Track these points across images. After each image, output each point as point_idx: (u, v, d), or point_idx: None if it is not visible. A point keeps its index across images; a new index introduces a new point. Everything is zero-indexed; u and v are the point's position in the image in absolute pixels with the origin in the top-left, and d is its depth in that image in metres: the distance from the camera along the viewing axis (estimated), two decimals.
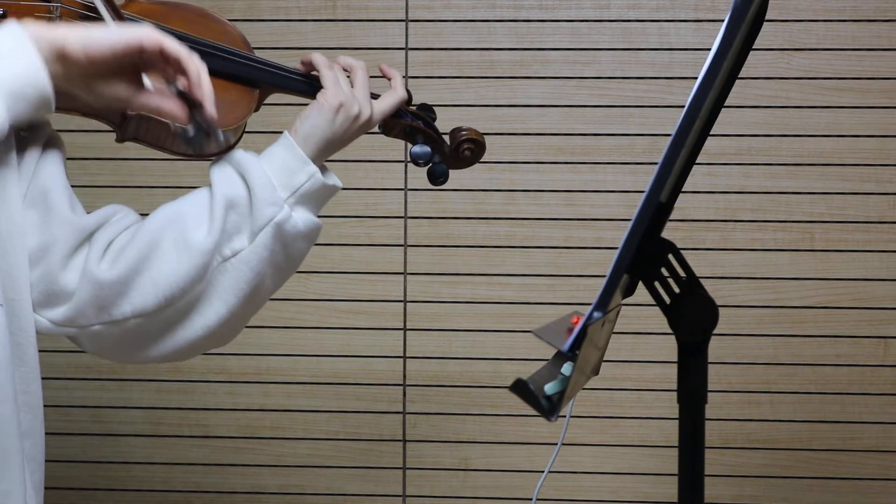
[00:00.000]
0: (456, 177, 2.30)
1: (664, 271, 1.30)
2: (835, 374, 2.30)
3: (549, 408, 1.28)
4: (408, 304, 2.34)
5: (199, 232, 1.48)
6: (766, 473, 2.32)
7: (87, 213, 1.53)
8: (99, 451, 2.37)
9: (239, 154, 1.51)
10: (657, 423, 2.31)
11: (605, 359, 1.51)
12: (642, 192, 1.26)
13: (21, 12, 1.43)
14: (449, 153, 1.65)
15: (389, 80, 1.63)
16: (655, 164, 1.25)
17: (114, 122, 1.48)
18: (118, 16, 1.43)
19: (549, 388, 1.29)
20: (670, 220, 1.34)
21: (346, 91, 1.56)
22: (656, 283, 1.30)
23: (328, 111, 1.53)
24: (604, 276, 1.26)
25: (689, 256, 1.32)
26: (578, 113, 2.30)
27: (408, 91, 1.66)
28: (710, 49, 1.24)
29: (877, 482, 2.31)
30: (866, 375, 2.30)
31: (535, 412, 1.28)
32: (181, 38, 1.51)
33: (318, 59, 1.59)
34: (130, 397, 2.37)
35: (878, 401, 2.30)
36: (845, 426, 2.31)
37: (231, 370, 2.35)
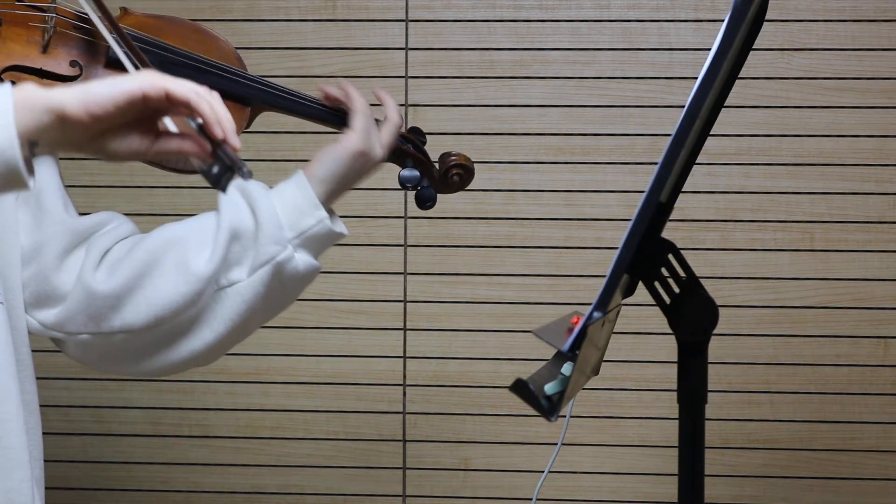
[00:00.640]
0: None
1: (664, 271, 1.30)
2: (835, 374, 2.30)
3: (549, 408, 1.28)
4: (408, 304, 2.34)
5: (201, 257, 1.48)
6: (766, 473, 2.32)
7: (84, 214, 1.53)
8: (99, 451, 2.37)
9: (252, 185, 1.50)
10: (657, 423, 2.31)
11: (605, 359, 1.52)
12: (642, 192, 1.26)
13: (16, 21, 1.43)
14: (438, 178, 1.66)
15: (383, 105, 1.61)
16: (655, 164, 1.25)
17: None
18: (120, 34, 1.41)
19: (549, 388, 1.29)
20: (670, 220, 1.34)
21: (373, 137, 1.54)
22: (656, 283, 1.30)
23: (350, 157, 1.52)
24: (604, 276, 1.26)
25: (689, 256, 1.32)
26: (578, 113, 2.30)
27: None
28: (710, 49, 1.24)
29: (877, 482, 2.31)
30: (866, 375, 2.30)
31: (535, 412, 1.28)
32: (174, 53, 1.51)
33: (354, 96, 1.57)
34: (130, 397, 2.37)
35: (878, 401, 2.30)
36: (845, 426, 2.31)
37: (231, 370, 2.35)
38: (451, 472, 2.35)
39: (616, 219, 2.29)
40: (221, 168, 1.20)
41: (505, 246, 2.32)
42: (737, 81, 1.34)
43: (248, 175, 1.20)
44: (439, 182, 1.66)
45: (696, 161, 1.35)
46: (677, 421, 1.31)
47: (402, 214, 2.33)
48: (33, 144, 1.14)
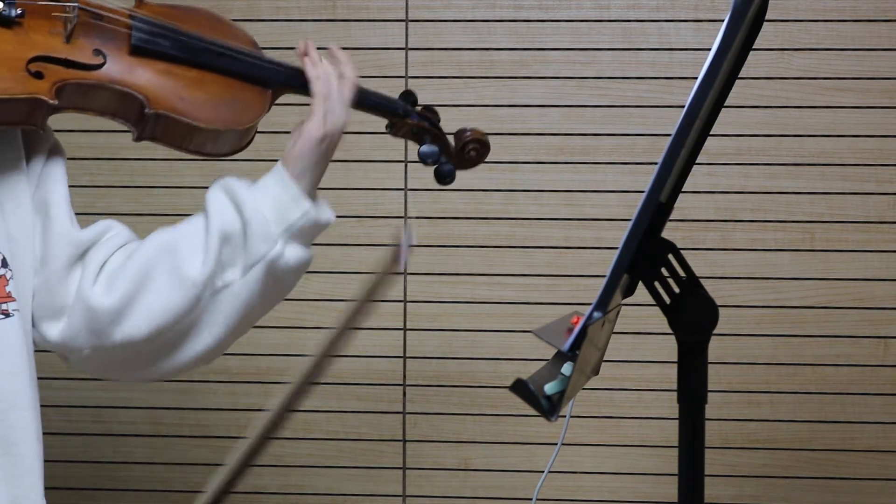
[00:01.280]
0: (456, 177, 2.31)
1: (664, 271, 1.30)
2: (835, 374, 2.30)
3: (549, 408, 1.28)
4: (408, 303, 2.34)
5: (194, 264, 1.48)
6: (766, 473, 2.32)
7: (83, 215, 1.53)
8: (99, 451, 2.37)
9: (234, 184, 1.50)
10: (657, 423, 2.31)
11: (605, 359, 1.52)
12: (642, 192, 1.26)
13: (38, 12, 1.45)
14: (455, 154, 1.66)
15: (339, 62, 1.57)
16: (655, 164, 1.25)
17: (130, 121, 1.49)
18: None
19: (549, 388, 1.29)
20: (670, 220, 1.34)
21: (331, 113, 1.54)
22: (656, 283, 1.30)
23: (315, 146, 1.52)
24: (604, 276, 1.26)
25: (689, 256, 1.32)
26: (578, 113, 2.30)
27: (412, 92, 1.66)
28: (710, 49, 1.24)
29: (877, 482, 2.31)
30: (866, 375, 2.30)
31: (535, 412, 1.28)
32: (194, 39, 1.52)
33: (309, 63, 1.56)
34: (130, 397, 2.37)
35: (878, 401, 2.30)
36: (845, 426, 2.31)
37: (231, 370, 2.35)
38: (451, 472, 2.35)
39: (616, 219, 2.29)
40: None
41: (505, 246, 2.32)
42: (737, 81, 1.34)
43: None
44: (456, 158, 1.66)
45: (696, 161, 1.35)
46: (677, 421, 1.31)
47: (402, 214, 2.33)
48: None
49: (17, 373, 1.40)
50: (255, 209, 1.48)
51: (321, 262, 2.35)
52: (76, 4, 1.45)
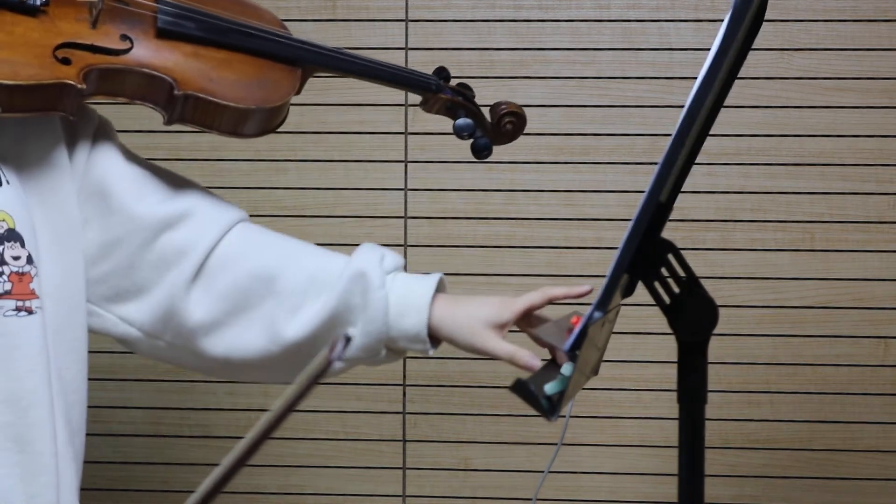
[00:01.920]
0: (456, 177, 2.31)
1: (664, 271, 1.30)
2: (835, 374, 2.30)
3: (549, 408, 1.28)
4: None
5: (292, 323, 1.49)
6: (766, 473, 2.32)
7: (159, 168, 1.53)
8: (99, 451, 2.37)
9: (377, 276, 1.50)
10: (657, 423, 2.31)
11: (604, 359, 1.51)
12: (642, 192, 1.26)
13: (62, 4, 1.45)
14: (490, 128, 1.65)
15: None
16: (655, 164, 1.25)
17: (160, 104, 1.49)
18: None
19: (549, 388, 1.29)
20: (670, 220, 1.34)
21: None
22: (656, 283, 1.30)
23: (471, 334, 1.51)
24: (604, 276, 1.26)
25: (689, 256, 1.31)
26: (578, 113, 2.30)
27: (445, 68, 1.66)
28: (710, 49, 1.24)
29: (877, 482, 2.31)
30: (866, 375, 2.30)
31: (535, 412, 1.28)
32: (222, 21, 1.52)
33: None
34: (130, 397, 2.37)
35: (878, 401, 2.30)
36: (845, 426, 2.31)
37: None
38: (451, 472, 2.35)
39: (616, 219, 2.29)
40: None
41: (505, 246, 2.32)
42: (737, 81, 1.34)
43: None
44: (493, 132, 1.66)
45: (696, 161, 1.35)
46: (677, 421, 1.31)
47: (402, 214, 2.33)
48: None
49: (36, 371, 1.40)
50: (378, 323, 1.48)
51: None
52: None
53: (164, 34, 1.49)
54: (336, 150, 2.32)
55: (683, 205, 2.22)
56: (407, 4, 2.31)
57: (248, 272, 1.50)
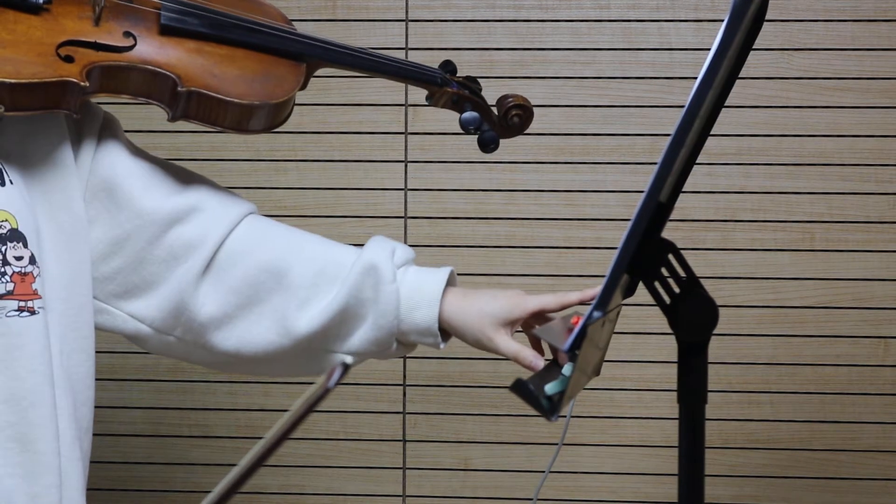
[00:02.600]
0: (456, 177, 2.31)
1: (664, 271, 1.30)
2: (835, 374, 2.30)
3: (549, 408, 1.28)
4: None
5: (303, 316, 1.49)
6: (766, 473, 2.32)
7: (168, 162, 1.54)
8: (99, 451, 2.37)
9: (388, 270, 1.49)
10: (657, 423, 2.31)
11: (605, 359, 1.51)
12: (642, 192, 1.26)
13: (65, 2, 1.45)
14: (497, 121, 1.65)
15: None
16: (655, 164, 1.25)
17: (163, 101, 1.49)
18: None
19: (550, 388, 1.29)
20: (670, 220, 1.34)
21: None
22: (656, 283, 1.30)
23: (480, 329, 1.51)
24: (604, 276, 1.26)
25: (689, 256, 1.31)
26: (578, 113, 2.30)
27: (451, 62, 1.66)
28: (710, 49, 1.24)
29: (877, 482, 2.31)
30: (866, 375, 2.30)
31: (535, 412, 1.28)
32: (226, 17, 1.52)
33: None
34: (130, 397, 2.37)
35: (878, 401, 2.30)
36: (845, 426, 2.31)
37: None
38: (451, 472, 2.35)
39: (616, 219, 2.29)
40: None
41: (505, 246, 2.32)
42: (737, 81, 1.34)
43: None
44: (499, 125, 1.65)
45: (696, 161, 1.35)
46: (677, 421, 1.31)
47: (402, 214, 2.33)
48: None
49: (39, 371, 1.40)
50: (390, 316, 1.49)
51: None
52: None
53: (167, 31, 1.50)
54: (336, 150, 2.32)
55: (683, 205, 2.22)
56: (407, 4, 2.31)
57: (258, 266, 1.50)
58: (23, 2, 1.42)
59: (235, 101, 1.49)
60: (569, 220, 2.31)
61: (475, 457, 2.35)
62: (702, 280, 1.31)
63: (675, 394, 1.31)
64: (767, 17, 1.34)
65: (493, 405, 2.34)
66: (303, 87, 1.58)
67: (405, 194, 2.31)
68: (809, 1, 2.26)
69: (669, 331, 1.30)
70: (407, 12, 2.31)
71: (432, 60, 2.31)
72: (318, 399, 1.03)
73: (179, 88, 1.46)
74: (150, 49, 1.47)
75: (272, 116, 1.53)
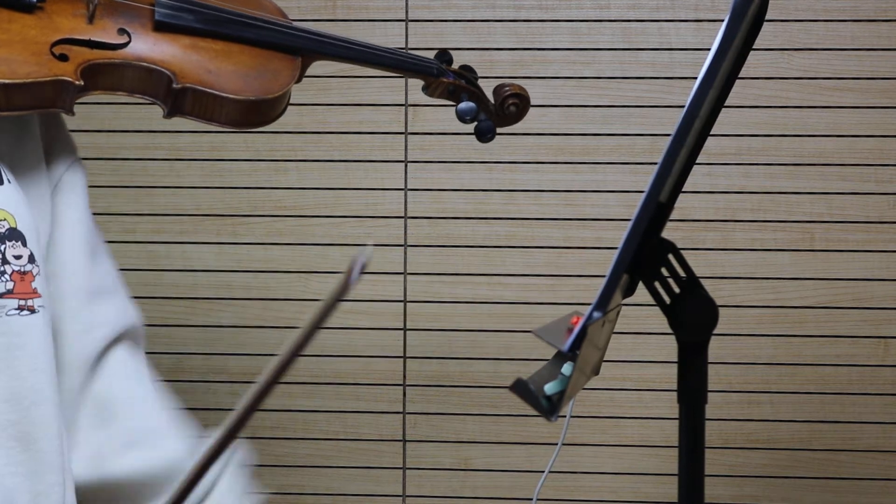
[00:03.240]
0: (456, 177, 2.31)
1: (664, 271, 1.30)
2: (835, 374, 2.30)
3: (549, 408, 1.28)
4: (408, 304, 2.34)
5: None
6: (766, 473, 2.32)
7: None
8: None
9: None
10: (657, 423, 2.31)
11: (605, 359, 1.51)
12: (642, 192, 1.26)
13: (59, 0, 1.45)
14: (494, 111, 1.65)
15: None
16: (655, 164, 1.25)
17: (159, 97, 1.49)
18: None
19: (549, 388, 1.29)
20: (670, 220, 1.34)
21: None
22: (656, 283, 1.30)
23: None
24: (604, 276, 1.26)
25: (689, 256, 1.31)
26: (578, 113, 2.30)
27: (447, 51, 1.66)
28: (710, 49, 1.24)
29: (877, 482, 2.31)
30: (866, 375, 2.30)
31: (535, 412, 1.28)
32: (220, 11, 1.52)
33: None
34: None
35: (878, 401, 2.30)
36: (845, 426, 2.30)
37: (231, 370, 2.35)
38: (451, 472, 2.35)
39: (616, 219, 2.29)
40: None
41: (505, 246, 2.32)
42: (737, 81, 1.34)
43: None
44: (496, 115, 1.65)
45: (696, 161, 1.35)
46: (677, 421, 1.31)
47: (402, 214, 2.33)
48: None
49: (40, 369, 1.40)
50: None
51: (321, 261, 2.35)
52: None
53: (161, 27, 1.49)
54: (336, 150, 2.32)
55: (683, 205, 2.22)
56: (407, 4, 2.31)
57: None
58: (17, 0, 1.42)
59: (231, 96, 1.49)
60: (569, 220, 2.31)
61: (475, 457, 2.35)
62: (702, 280, 1.31)
63: (675, 394, 1.31)
64: (767, 17, 1.34)
65: (493, 405, 2.34)
66: (298, 81, 1.58)
67: (405, 194, 2.31)
68: (809, 1, 2.26)
69: (669, 331, 1.30)
70: (407, 12, 2.31)
71: None
72: (341, 295, 1.03)
73: (174, 85, 1.46)
74: (145, 46, 1.47)
75: (267, 111, 1.54)
